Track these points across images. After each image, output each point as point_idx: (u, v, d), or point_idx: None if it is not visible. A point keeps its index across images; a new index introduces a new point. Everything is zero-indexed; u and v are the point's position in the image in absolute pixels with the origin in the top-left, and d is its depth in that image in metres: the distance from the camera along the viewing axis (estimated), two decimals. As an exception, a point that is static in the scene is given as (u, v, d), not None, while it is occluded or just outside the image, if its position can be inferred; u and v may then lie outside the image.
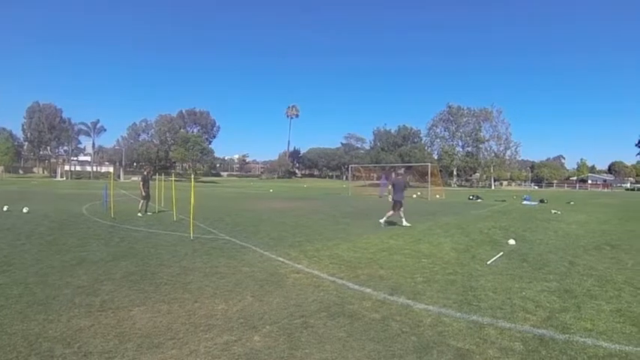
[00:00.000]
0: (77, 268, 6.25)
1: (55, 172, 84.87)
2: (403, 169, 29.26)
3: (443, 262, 7.23)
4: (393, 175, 15.36)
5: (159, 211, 15.50)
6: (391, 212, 12.73)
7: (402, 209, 12.73)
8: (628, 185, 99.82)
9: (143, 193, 15.12)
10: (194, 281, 5.68)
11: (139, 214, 14.17)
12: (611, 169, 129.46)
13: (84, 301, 4.65)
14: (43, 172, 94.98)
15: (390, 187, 13.60)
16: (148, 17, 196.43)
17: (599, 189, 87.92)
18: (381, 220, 12.71)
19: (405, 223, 12.45)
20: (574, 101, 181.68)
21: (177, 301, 4.75)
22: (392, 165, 71.29)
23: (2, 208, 15.10)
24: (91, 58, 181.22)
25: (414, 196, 31.53)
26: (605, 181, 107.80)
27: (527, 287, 5.65)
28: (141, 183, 15.58)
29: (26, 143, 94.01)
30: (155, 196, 16.96)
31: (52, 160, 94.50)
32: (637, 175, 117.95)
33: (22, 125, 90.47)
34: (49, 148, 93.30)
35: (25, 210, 14.69)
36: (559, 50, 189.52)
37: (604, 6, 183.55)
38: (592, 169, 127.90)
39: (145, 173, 16.65)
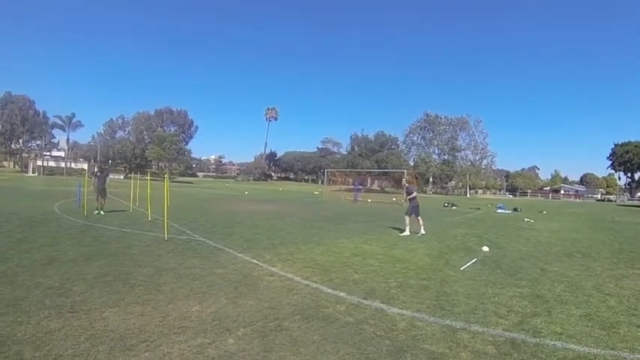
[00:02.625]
0: (48, 268, 6.09)
1: (27, 167, 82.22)
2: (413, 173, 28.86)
3: (417, 268, 7.30)
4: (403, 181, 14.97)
5: (132, 210, 15.21)
6: (419, 219, 12.14)
7: (413, 214, 12.21)
8: (598, 196, 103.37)
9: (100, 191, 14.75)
10: (168, 282, 5.61)
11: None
12: (583, 181, 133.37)
13: (54, 302, 4.52)
14: (14, 167, 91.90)
15: (405, 195, 13.04)
16: (127, 12, 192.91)
17: (571, 199, 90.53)
18: (422, 231, 11.93)
19: (407, 230, 11.94)
20: (550, 113, 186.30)
21: (151, 303, 4.68)
22: (368, 170, 71.70)
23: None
24: (68, 49, 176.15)
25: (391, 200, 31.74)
26: (577, 191, 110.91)
27: (499, 292, 5.77)
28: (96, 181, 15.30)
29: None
30: (130, 195, 16.62)
31: (24, 155, 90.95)
32: (607, 187, 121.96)
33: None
34: (21, 141, 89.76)
35: (-7, 206, 14.23)
36: (537, 60, 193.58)
37: (579, 17, 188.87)
38: (565, 180, 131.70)
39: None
